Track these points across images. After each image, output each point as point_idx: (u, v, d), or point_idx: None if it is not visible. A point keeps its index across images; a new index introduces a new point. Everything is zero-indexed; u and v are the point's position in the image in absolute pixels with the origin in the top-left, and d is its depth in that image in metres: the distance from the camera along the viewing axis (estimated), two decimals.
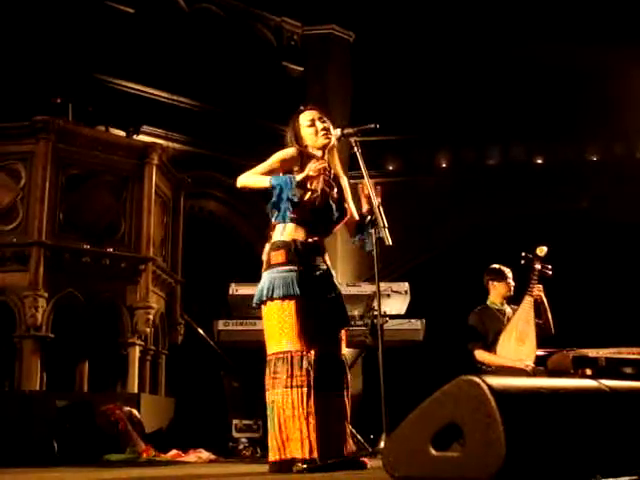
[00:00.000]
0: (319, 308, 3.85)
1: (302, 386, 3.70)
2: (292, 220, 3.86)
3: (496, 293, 6.08)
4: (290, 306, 3.77)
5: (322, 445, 3.69)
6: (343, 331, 3.99)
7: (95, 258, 7.47)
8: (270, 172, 3.88)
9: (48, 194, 7.30)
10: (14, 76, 10.69)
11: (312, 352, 3.76)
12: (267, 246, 3.97)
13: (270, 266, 3.86)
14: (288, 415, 3.68)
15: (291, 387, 3.70)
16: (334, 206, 3.94)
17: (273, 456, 3.74)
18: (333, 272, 4.03)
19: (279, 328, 3.78)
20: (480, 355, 5.84)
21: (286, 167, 3.91)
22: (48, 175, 7.33)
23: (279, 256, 3.84)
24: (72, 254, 7.39)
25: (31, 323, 7.02)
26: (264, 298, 3.82)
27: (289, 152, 3.98)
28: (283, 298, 3.78)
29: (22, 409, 6.12)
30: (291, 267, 3.81)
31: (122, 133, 9.04)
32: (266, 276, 3.86)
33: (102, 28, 11.99)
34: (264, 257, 3.98)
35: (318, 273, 3.91)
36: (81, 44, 11.54)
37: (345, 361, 3.95)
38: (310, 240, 3.89)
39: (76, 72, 11.17)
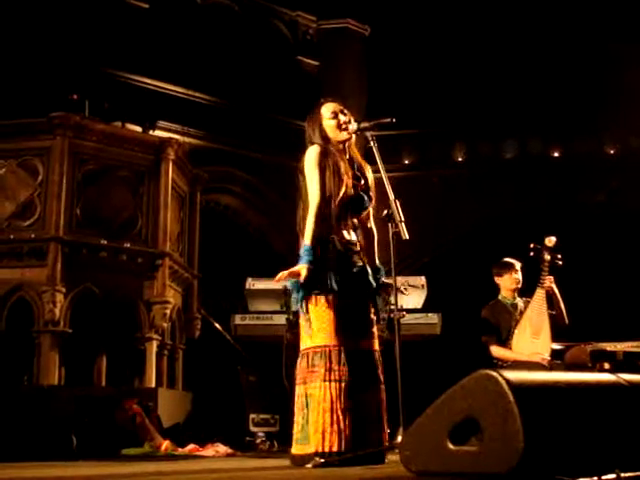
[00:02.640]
0: (354, 305, 3.87)
1: (340, 380, 3.71)
2: (329, 219, 3.89)
3: (504, 287, 6.05)
4: (327, 302, 3.80)
5: (359, 439, 3.70)
6: (376, 327, 4.00)
7: (112, 253, 7.49)
8: (322, 185, 3.89)
9: (65, 190, 7.33)
10: (31, 73, 10.74)
11: (349, 347, 3.78)
12: None
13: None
14: (326, 409, 3.69)
15: (329, 381, 3.72)
16: (365, 196, 3.98)
17: (306, 449, 3.72)
18: (369, 269, 4.02)
19: (317, 323, 3.81)
20: (496, 351, 5.82)
21: (322, 165, 3.93)
22: (65, 171, 7.36)
23: (316, 252, 3.87)
24: (89, 249, 7.41)
25: (49, 318, 7.05)
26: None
27: (314, 153, 3.97)
28: (319, 294, 3.82)
29: (40, 404, 6.14)
30: (328, 264, 3.84)
31: (138, 129, 9.05)
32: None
33: (117, 24, 12.02)
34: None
35: (355, 270, 3.93)
36: (97, 40, 11.59)
37: (379, 356, 3.96)
38: (347, 238, 3.92)
39: (92, 68, 11.21)
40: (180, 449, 6.03)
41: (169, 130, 11.62)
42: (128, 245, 7.60)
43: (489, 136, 14.99)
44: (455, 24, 14.93)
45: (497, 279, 6.11)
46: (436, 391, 2.39)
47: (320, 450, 3.64)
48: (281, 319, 6.94)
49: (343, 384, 3.71)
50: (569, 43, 14.45)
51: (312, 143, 4.03)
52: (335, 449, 3.63)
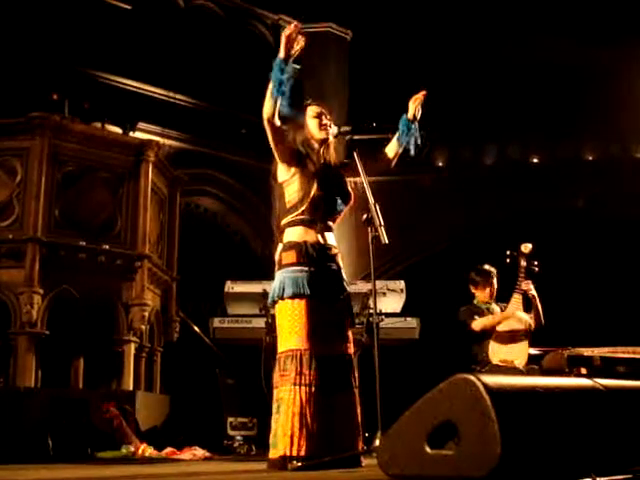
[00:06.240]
0: (329, 309, 3.87)
1: (310, 385, 3.71)
2: (302, 222, 3.89)
3: (479, 295, 6.10)
4: (300, 306, 3.80)
5: (329, 443, 3.69)
6: (350, 331, 4.00)
7: (91, 255, 7.45)
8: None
9: (44, 190, 7.29)
10: (10, 72, 10.66)
11: (321, 352, 3.77)
12: (279, 247, 4.00)
13: (282, 266, 3.92)
14: (295, 412, 3.68)
15: (299, 385, 3.71)
16: (338, 199, 3.98)
17: (277, 453, 3.71)
18: (344, 273, 4.03)
19: (289, 327, 3.81)
20: (477, 324, 5.83)
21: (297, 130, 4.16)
22: (44, 171, 7.32)
23: (290, 256, 3.89)
24: (68, 251, 7.37)
25: (26, 320, 7.00)
26: (276, 297, 3.87)
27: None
28: (293, 297, 3.82)
29: (17, 405, 6.10)
30: (302, 267, 3.85)
31: (118, 130, 9.02)
32: (278, 276, 3.92)
33: (98, 24, 11.95)
34: (276, 258, 4.01)
35: (329, 274, 3.93)
36: (77, 40, 11.51)
37: (353, 360, 3.95)
38: (321, 241, 3.91)
39: (72, 69, 11.14)
40: (157, 452, 6.01)
41: (149, 132, 11.57)
42: (107, 247, 7.56)
43: (470, 141, 15.02)
44: (437, 29, 14.96)
45: (472, 287, 6.15)
46: (414, 395, 2.39)
47: (288, 454, 3.64)
48: (260, 322, 6.94)
49: (313, 388, 3.70)
50: (550, 49, 14.52)
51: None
52: (303, 453, 3.62)
